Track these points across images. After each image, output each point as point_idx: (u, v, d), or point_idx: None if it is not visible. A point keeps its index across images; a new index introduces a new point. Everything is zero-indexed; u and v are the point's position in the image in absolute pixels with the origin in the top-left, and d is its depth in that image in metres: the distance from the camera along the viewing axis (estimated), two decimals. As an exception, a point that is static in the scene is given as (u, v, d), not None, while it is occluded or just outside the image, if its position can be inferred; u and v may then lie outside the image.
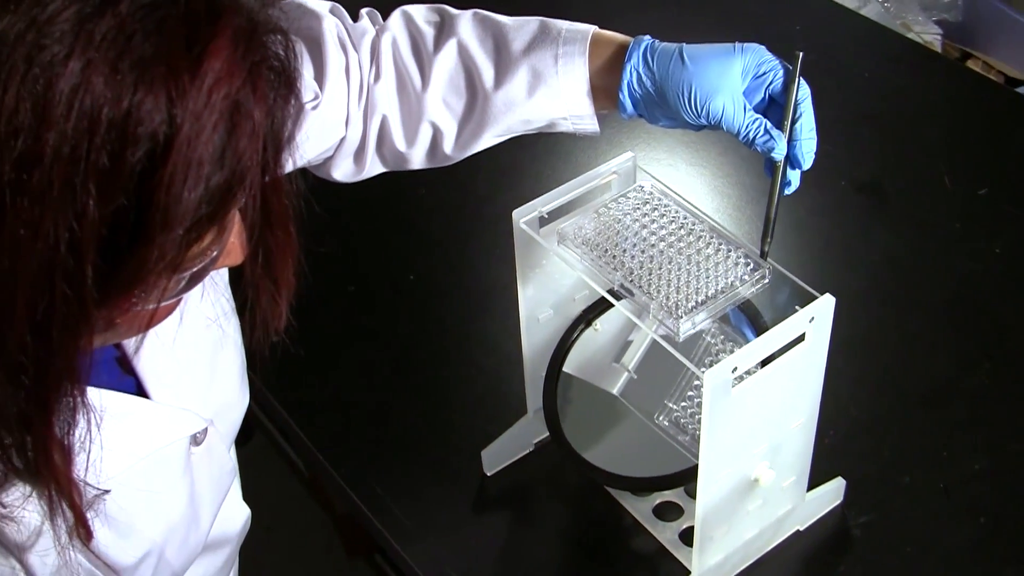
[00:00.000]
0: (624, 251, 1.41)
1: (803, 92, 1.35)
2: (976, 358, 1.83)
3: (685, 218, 1.43)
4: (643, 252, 1.40)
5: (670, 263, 1.39)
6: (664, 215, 1.44)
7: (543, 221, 1.46)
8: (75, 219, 0.81)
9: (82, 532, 1.03)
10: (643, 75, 1.37)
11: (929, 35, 3.19)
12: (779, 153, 1.34)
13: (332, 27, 1.42)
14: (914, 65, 2.47)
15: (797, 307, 1.33)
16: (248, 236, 0.97)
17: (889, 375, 1.83)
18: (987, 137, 2.27)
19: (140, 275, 0.87)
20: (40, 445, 0.93)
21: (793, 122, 1.35)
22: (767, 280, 1.38)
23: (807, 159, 1.37)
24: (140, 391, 1.21)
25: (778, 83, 1.35)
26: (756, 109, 1.36)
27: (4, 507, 1.02)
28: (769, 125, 1.34)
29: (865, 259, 2.02)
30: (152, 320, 0.97)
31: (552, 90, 1.40)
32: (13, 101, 0.78)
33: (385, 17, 1.48)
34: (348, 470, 1.77)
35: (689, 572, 1.51)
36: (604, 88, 1.40)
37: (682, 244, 1.40)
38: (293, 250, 1.03)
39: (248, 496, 1.52)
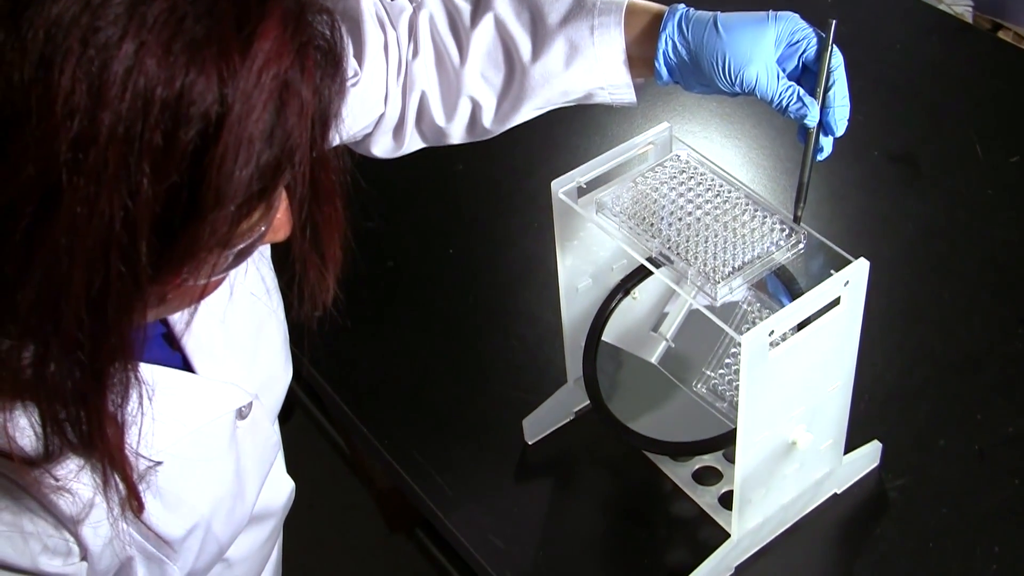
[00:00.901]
0: (662, 219, 1.42)
1: (836, 59, 1.35)
2: (1010, 324, 1.83)
3: (721, 186, 1.44)
4: (680, 220, 1.41)
5: (707, 230, 1.40)
6: (700, 183, 1.45)
7: (581, 192, 1.48)
8: (130, 197, 0.82)
9: (134, 504, 1.04)
10: (678, 44, 1.37)
11: (960, 6, 3.16)
12: (812, 120, 1.35)
13: (370, 5, 1.43)
14: (945, 36, 2.46)
15: (832, 272, 1.34)
16: (296, 212, 0.99)
17: (924, 342, 1.83)
18: (1018, 106, 2.26)
19: (192, 251, 0.88)
20: (94, 419, 0.95)
21: (826, 89, 1.35)
22: (802, 245, 1.39)
23: (840, 126, 1.37)
24: (186, 367, 1.23)
25: (811, 51, 1.35)
26: (790, 77, 1.36)
27: (58, 480, 1.03)
28: (802, 92, 1.34)
29: (899, 228, 2.02)
30: (202, 295, 0.99)
31: (589, 61, 1.40)
32: (69, 82, 0.80)
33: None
34: (390, 441, 1.78)
35: (729, 535, 1.52)
36: (640, 57, 1.40)
37: (718, 212, 1.41)
38: (340, 225, 1.04)
39: (290, 474, 1.54)
